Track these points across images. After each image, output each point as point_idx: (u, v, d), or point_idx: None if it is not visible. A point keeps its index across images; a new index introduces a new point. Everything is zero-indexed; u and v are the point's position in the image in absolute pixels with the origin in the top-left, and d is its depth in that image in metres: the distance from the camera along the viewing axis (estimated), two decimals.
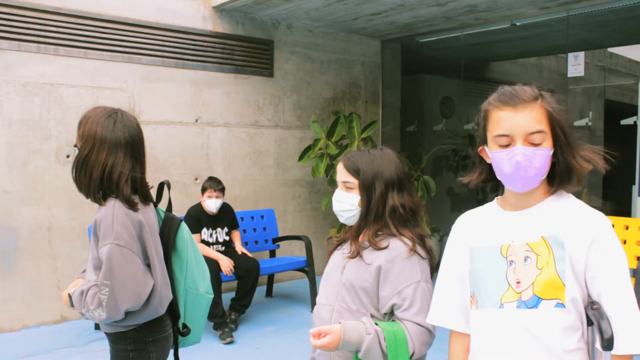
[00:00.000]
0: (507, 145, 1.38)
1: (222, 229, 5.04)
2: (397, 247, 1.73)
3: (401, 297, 1.67)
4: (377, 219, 1.78)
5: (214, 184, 4.91)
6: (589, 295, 1.38)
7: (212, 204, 4.87)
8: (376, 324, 1.66)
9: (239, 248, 5.05)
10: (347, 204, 1.83)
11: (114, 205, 1.89)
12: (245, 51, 5.93)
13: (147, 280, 1.89)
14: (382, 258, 1.72)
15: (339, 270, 1.81)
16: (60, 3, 4.75)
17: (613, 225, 4.43)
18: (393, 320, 1.70)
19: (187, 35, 5.51)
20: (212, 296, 2.17)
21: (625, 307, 1.33)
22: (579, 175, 1.40)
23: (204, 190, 4.94)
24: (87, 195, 1.97)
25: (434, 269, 1.77)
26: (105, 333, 2.03)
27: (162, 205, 2.18)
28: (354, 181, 1.82)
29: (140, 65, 5.22)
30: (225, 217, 5.07)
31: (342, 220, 1.88)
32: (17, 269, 4.63)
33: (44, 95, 4.71)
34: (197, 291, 2.12)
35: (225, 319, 4.51)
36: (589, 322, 1.37)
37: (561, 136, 1.39)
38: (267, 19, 6.11)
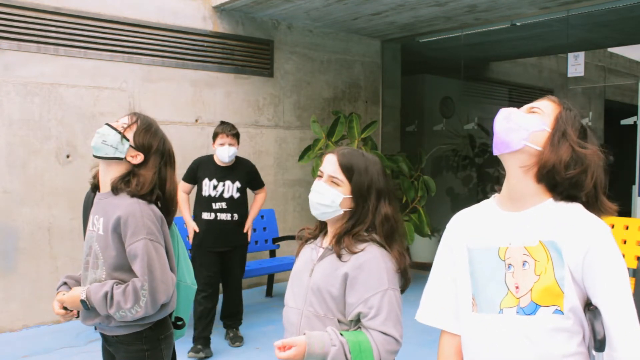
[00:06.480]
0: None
1: (233, 183, 4.24)
2: (368, 252, 1.68)
3: (367, 305, 1.63)
4: (367, 227, 1.73)
5: (226, 128, 4.15)
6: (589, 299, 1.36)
7: (224, 152, 4.12)
8: (341, 334, 1.63)
9: (248, 222, 4.33)
10: (327, 199, 1.72)
11: (138, 201, 1.91)
12: (245, 51, 5.93)
13: (172, 274, 1.93)
14: (350, 264, 1.67)
15: (307, 273, 1.76)
16: (60, 3, 4.75)
17: (613, 226, 4.43)
18: (359, 328, 1.67)
19: (187, 35, 5.51)
20: (196, 287, 2.22)
21: (623, 319, 1.29)
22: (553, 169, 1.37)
23: (215, 136, 4.18)
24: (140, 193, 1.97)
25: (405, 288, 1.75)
26: (115, 337, 1.96)
27: None
28: (343, 179, 1.73)
29: (140, 65, 5.22)
30: (243, 172, 4.32)
31: (314, 212, 1.77)
32: (17, 269, 4.63)
33: (44, 95, 4.71)
34: (186, 283, 2.16)
35: (207, 334, 4.08)
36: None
37: (550, 129, 1.40)
38: (267, 19, 6.11)
